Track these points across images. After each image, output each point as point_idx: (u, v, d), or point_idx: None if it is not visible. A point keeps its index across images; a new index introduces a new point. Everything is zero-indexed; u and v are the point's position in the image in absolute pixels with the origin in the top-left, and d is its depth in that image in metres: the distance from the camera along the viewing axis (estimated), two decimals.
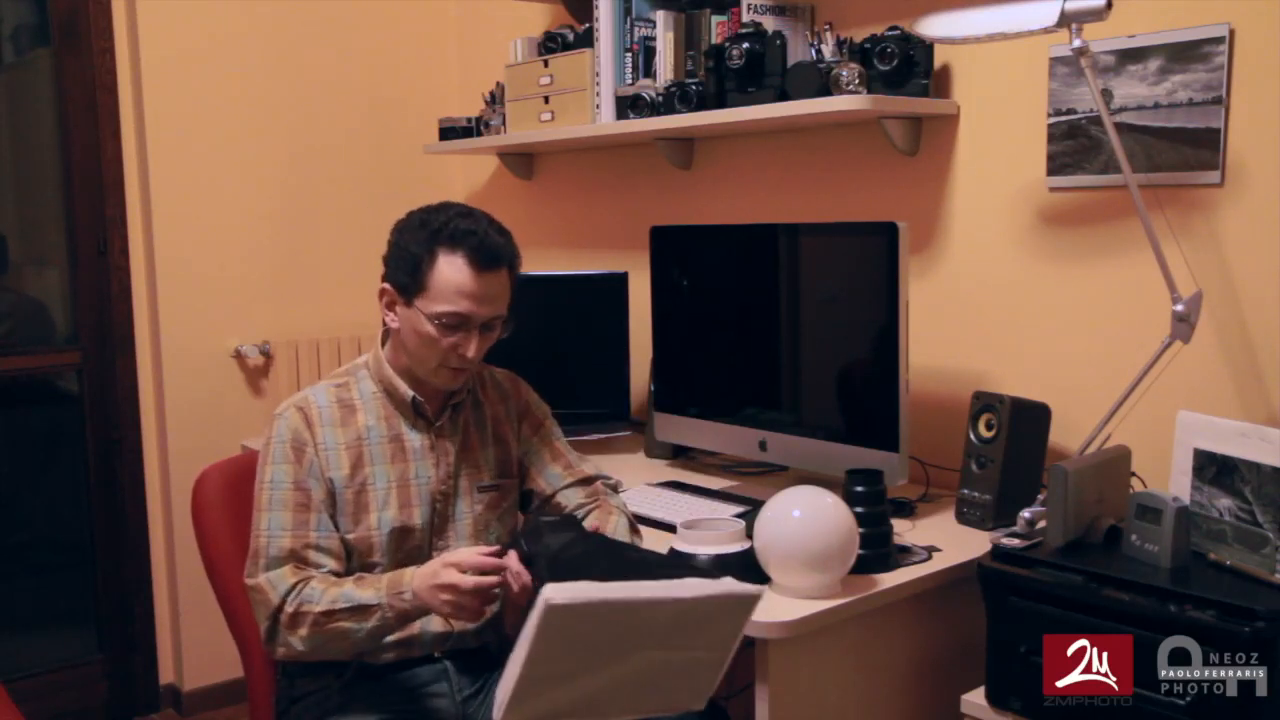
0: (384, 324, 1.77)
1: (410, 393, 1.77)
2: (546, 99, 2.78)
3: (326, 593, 1.64)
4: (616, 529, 1.78)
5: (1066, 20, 1.71)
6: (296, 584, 1.65)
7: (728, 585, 1.36)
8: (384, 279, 1.75)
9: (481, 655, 1.80)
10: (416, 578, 1.61)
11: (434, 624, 1.75)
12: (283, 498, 1.69)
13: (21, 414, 3.15)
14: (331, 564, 1.70)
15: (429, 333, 1.69)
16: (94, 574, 3.12)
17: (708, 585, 1.36)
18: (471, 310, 1.68)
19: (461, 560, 1.58)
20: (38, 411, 3.20)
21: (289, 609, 1.64)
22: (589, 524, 1.78)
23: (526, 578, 1.54)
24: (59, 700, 3.06)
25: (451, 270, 1.67)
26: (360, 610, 1.62)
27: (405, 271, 1.70)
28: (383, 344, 1.81)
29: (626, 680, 1.38)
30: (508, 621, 1.80)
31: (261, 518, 1.69)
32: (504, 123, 2.94)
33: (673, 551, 1.74)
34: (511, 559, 1.57)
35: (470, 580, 1.56)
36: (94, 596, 3.13)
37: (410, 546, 1.76)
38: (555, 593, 1.27)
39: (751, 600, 1.38)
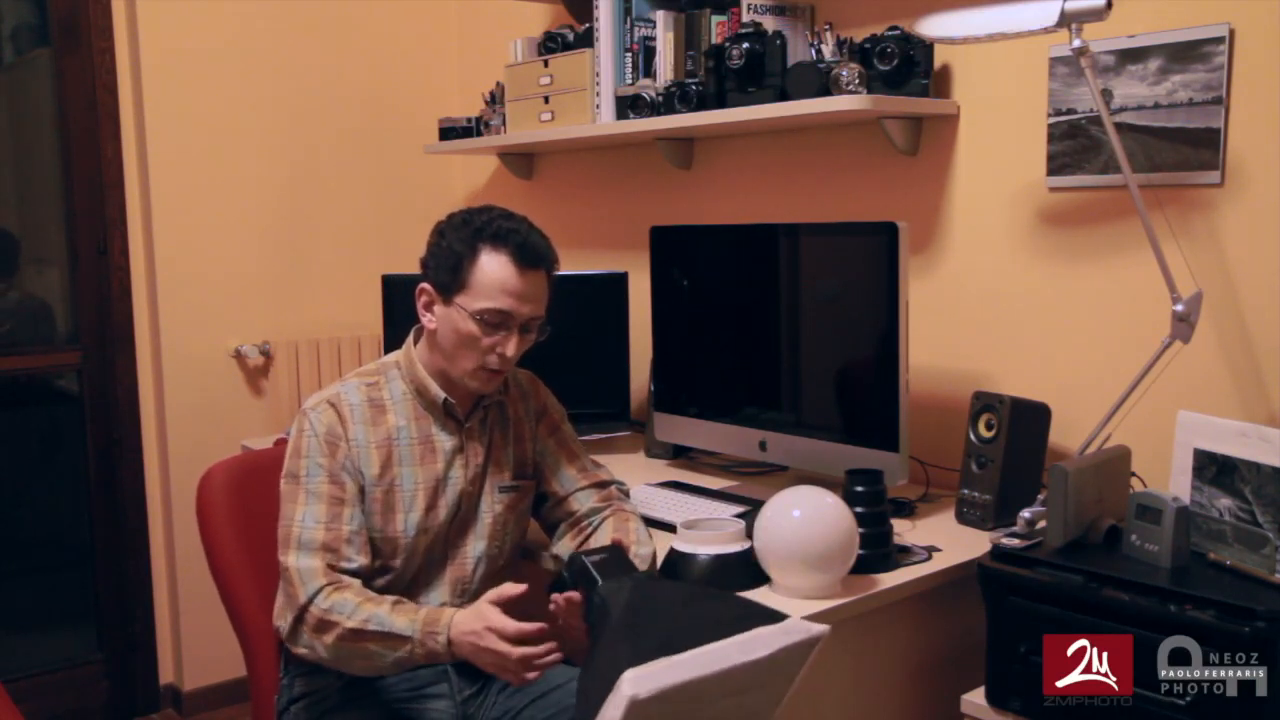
0: (420, 324, 1.77)
1: (442, 395, 1.76)
2: (546, 99, 2.78)
3: (360, 608, 1.60)
4: (637, 536, 1.77)
5: (1066, 20, 1.71)
6: (326, 586, 1.63)
7: (799, 631, 1.33)
8: (422, 279, 1.74)
9: None
10: (455, 627, 1.57)
11: None
12: (317, 490, 1.68)
13: (21, 414, 3.16)
14: (361, 560, 1.68)
15: (470, 331, 1.68)
16: (94, 574, 3.12)
17: (779, 635, 1.32)
18: (513, 307, 1.68)
19: (504, 629, 1.54)
20: (38, 411, 3.20)
21: (315, 612, 1.62)
22: (607, 532, 1.77)
23: (577, 598, 1.53)
24: (59, 700, 3.06)
25: (495, 266, 1.68)
26: (390, 638, 1.59)
27: (446, 269, 1.70)
28: (415, 343, 1.81)
29: None
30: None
31: (295, 510, 1.68)
32: (504, 123, 2.94)
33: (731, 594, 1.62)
34: (558, 600, 1.57)
35: (517, 652, 1.53)
36: (94, 596, 3.13)
37: (430, 546, 1.76)
38: (638, 685, 1.21)
39: (817, 640, 1.35)
